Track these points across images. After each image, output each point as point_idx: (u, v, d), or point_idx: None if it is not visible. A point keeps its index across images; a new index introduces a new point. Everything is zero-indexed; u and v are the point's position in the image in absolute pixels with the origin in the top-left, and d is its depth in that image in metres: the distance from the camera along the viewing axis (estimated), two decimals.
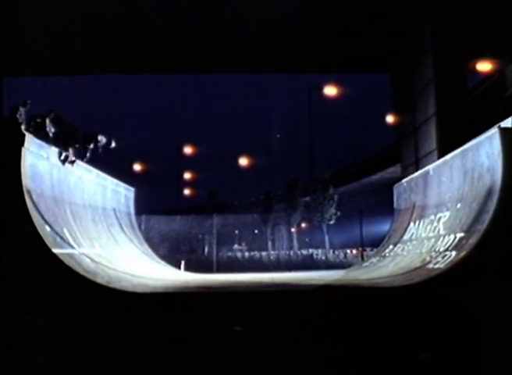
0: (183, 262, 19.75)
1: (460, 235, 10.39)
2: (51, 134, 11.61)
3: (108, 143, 13.02)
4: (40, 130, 11.12)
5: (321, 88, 28.49)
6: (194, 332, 5.79)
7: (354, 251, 28.07)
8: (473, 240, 9.57)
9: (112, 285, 9.16)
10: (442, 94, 17.88)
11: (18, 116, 10.60)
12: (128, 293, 8.79)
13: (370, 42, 20.74)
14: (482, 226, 9.52)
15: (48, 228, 9.40)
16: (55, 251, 8.95)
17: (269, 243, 31.65)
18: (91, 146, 12.37)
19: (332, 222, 31.00)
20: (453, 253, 10.04)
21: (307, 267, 22.60)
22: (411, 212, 14.95)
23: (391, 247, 14.72)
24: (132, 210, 18.09)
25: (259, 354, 4.69)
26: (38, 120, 11.28)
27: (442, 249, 10.83)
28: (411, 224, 14.38)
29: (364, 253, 25.77)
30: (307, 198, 32.57)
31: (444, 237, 11.29)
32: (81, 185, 12.64)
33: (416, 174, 16.12)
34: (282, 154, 66.95)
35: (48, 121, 11.57)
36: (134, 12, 19.32)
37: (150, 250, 17.43)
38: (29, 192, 9.24)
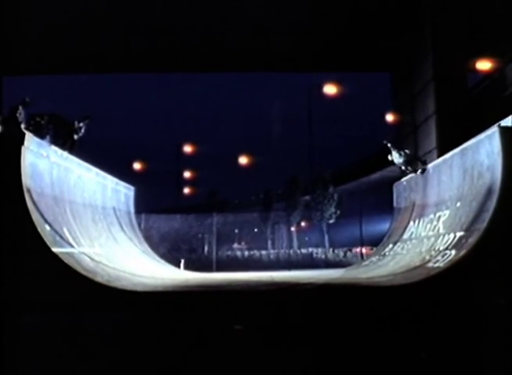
0: (182, 261, 19.76)
1: (459, 234, 10.40)
2: (76, 137, 11.93)
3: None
4: (40, 129, 11.15)
5: (321, 87, 28.49)
6: (194, 331, 5.79)
7: (358, 250, 27.47)
8: (473, 239, 9.57)
9: (112, 284, 9.16)
10: (441, 92, 17.89)
11: (18, 114, 10.60)
12: (128, 292, 8.79)
13: (370, 41, 20.75)
14: (482, 225, 9.52)
15: (47, 227, 9.39)
16: (55, 250, 8.94)
17: (269, 242, 31.66)
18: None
19: (331, 221, 31.02)
20: (453, 252, 10.04)
21: (306, 266, 22.59)
22: (411, 210, 14.94)
23: (391, 246, 14.72)
24: (132, 209, 18.08)
25: (258, 353, 4.70)
26: (38, 119, 11.31)
27: (441, 248, 10.83)
28: (411, 223, 14.38)
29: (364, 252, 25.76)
30: (307, 197, 32.59)
31: (444, 236, 11.29)
32: (81, 184, 12.63)
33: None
34: (281, 152, 67.05)
35: (81, 125, 11.89)
36: (134, 13, 19.33)
37: (149, 249, 17.42)
38: (29, 191, 9.24)
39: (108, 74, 28.45)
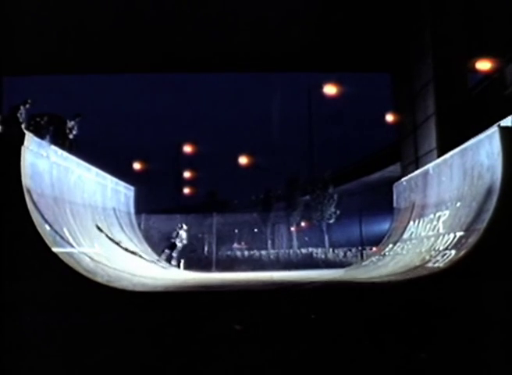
0: (182, 261, 19.78)
1: (459, 234, 10.40)
2: (71, 136, 12.00)
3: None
4: (40, 129, 11.20)
5: (321, 87, 28.51)
6: (194, 331, 5.80)
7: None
8: (472, 239, 9.58)
9: (112, 284, 9.16)
10: (441, 92, 17.90)
11: (18, 114, 10.63)
12: (128, 292, 8.80)
13: (370, 41, 20.75)
14: (482, 225, 9.53)
15: (47, 227, 9.40)
16: (55, 250, 8.95)
17: (269, 242, 31.64)
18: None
19: (331, 221, 30.99)
20: (453, 252, 10.05)
21: (306, 266, 22.62)
22: (411, 210, 14.95)
23: (390, 246, 14.73)
24: (132, 209, 18.10)
25: (258, 353, 4.70)
26: (38, 119, 11.35)
27: (441, 248, 10.84)
28: (411, 223, 14.39)
29: (364, 252, 25.80)
30: (307, 197, 32.56)
31: (444, 236, 11.30)
32: (81, 184, 12.63)
33: (416, 173, 16.12)
34: (281, 153, 66.93)
35: (73, 123, 11.98)
36: (134, 12, 19.34)
37: (149, 249, 17.44)
38: (29, 191, 9.24)
39: (108, 75, 28.45)
